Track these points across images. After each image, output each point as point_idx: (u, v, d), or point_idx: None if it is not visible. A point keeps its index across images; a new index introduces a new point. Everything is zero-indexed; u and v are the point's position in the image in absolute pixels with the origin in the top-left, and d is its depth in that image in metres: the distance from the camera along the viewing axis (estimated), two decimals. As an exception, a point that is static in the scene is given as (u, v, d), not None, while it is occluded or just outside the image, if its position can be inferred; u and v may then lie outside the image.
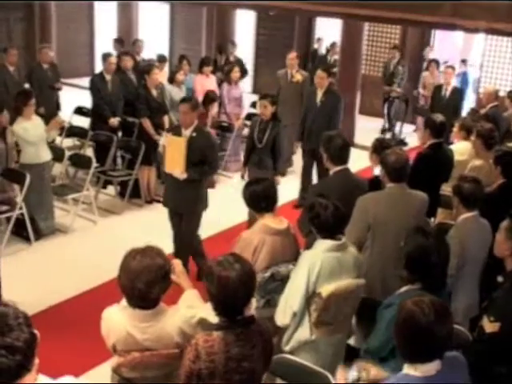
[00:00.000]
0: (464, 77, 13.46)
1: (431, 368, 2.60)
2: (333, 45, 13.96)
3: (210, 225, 6.99)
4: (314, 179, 8.77)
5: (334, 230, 3.95)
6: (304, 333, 3.90)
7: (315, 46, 15.30)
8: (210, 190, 6.69)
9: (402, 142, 11.76)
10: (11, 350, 2.17)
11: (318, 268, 3.82)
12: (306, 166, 8.85)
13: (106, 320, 3.26)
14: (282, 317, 3.89)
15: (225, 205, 7.94)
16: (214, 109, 9.36)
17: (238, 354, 2.86)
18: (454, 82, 11.00)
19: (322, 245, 3.92)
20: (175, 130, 6.39)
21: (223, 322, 2.93)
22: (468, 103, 12.69)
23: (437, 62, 12.69)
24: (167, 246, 5.60)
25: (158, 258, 3.14)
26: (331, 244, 3.91)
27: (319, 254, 3.87)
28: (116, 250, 5.13)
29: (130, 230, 5.88)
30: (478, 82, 14.10)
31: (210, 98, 9.14)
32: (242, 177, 7.57)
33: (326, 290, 3.79)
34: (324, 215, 3.89)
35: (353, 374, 3.01)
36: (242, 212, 6.51)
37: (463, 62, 13.71)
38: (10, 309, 2.25)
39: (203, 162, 6.15)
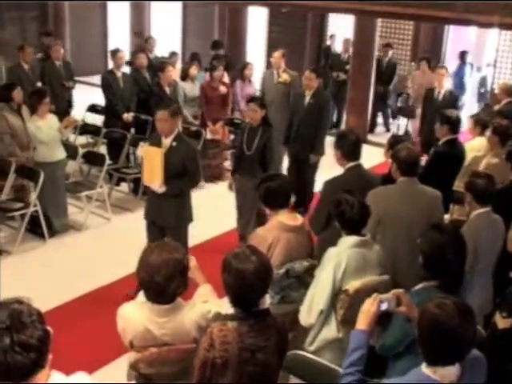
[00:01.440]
0: (459, 78, 12.61)
1: (451, 372, 2.54)
2: (346, 41, 13.55)
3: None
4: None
5: (359, 227, 3.95)
6: (331, 331, 3.89)
7: (328, 42, 15.25)
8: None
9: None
10: (25, 348, 2.18)
11: (344, 265, 3.82)
12: (290, 173, 8.07)
13: (123, 316, 3.27)
14: (307, 316, 3.88)
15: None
16: None
17: (251, 345, 2.89)
18: (449, 85, 9.98)
19: (347, 241, 3.92)
20: (154, 139, 5.84)
21: (238, 313, 2.96)
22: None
23: (428, 59, 11.69)
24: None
25: (175, 252, 3.17)
26: (356, 240, 3.91)
27: (344, 250, 3.87)
28: (129, 247, 5.20)
29: (143, 227, 5.89)
30: (484, 80, 13.90)
31: None
32: (230, 187, 7.17)
33: (352, 286, 3.78)
34: (350, 212, 3.88)
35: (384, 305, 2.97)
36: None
37: (462, 56, 12.92)
38: (24, 306, 2.26)
39: (184, 174, 5.69)
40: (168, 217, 5.77)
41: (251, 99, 7.13)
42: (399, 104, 12.91)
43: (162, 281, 3.07)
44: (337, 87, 12.52)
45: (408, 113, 12.05)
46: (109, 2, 16.52)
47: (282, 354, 3.06)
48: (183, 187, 5.77)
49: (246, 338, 2.88)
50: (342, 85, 12.47)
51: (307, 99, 8.10)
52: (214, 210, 7.95)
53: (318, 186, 7.12)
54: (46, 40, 12.03)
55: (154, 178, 5.66)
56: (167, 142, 5.66)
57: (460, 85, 12.49)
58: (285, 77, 9.15)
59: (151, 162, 5.70)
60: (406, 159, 4.61)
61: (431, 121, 8.07)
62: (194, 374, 2.96)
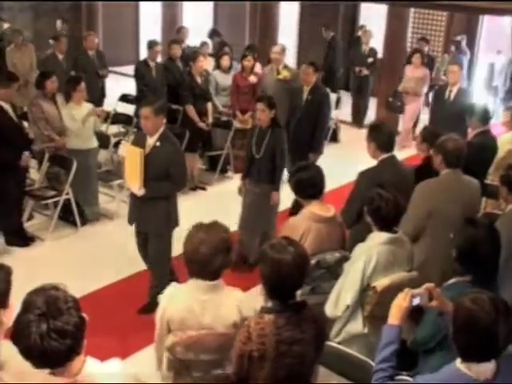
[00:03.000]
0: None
1: (486, 369, 2.50)
2: (366, 33, 12.48)
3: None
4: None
5: (392, 224, 3.93)
6: (356, 326, 3.89)
7: (359, 33, 15.08)
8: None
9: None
10: (62, 334, 2.21)
11: (374, 261, 3.80)
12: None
13: (167, 295, 3.30)
14: (334, 308, 3.88)
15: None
16: None
17: (288, 338, 2.89)
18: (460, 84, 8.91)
19: (378, 237, 3.90)
20: (139, 138, 5.47)
21: (275, 306, 2.96)
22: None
23: (421, 52, 10.91)
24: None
25: (223, 232, 3.23)
26: (387, 237, 3.89)
27: (375, 246, 3.86)
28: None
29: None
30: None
31: None
32: (240, 191, 6.61)
33: (381, 284, 3.76)
34: (385, 209, 3.85)
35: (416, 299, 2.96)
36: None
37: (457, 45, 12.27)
38: (60, 293, 2.29)
39: (168, 177, 5.32)
40: (148, 222, 5.44)
41: (259, 98, 6.59)
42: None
43: (207, 253, 3.12)
44: (359, 82, 12.21)
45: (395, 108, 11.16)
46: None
47: (319, 347, 3.05)
48: (165, 191, 5.39)
49: (283, 330, 2.89)
50: (364, 80, 12.11)
51: (305, 95, 7.71)
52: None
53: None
54: (62, 27, 12.17)
55: (134, 180, 5.33)
56: (151, 141, 5.30)
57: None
58: (284, 73, 8.80)
59: (131, 162, 5.37)
60: (452, 151, 4.61)
61: (442, 122, 7.68)
62: (232, 366, 2.98)
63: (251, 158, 6.43)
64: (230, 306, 3.21)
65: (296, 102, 7.80)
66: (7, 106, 6.47)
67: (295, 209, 6.76)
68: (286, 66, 8.95)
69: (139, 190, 5.30)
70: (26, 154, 6.60)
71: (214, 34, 12.48)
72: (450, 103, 8.53)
